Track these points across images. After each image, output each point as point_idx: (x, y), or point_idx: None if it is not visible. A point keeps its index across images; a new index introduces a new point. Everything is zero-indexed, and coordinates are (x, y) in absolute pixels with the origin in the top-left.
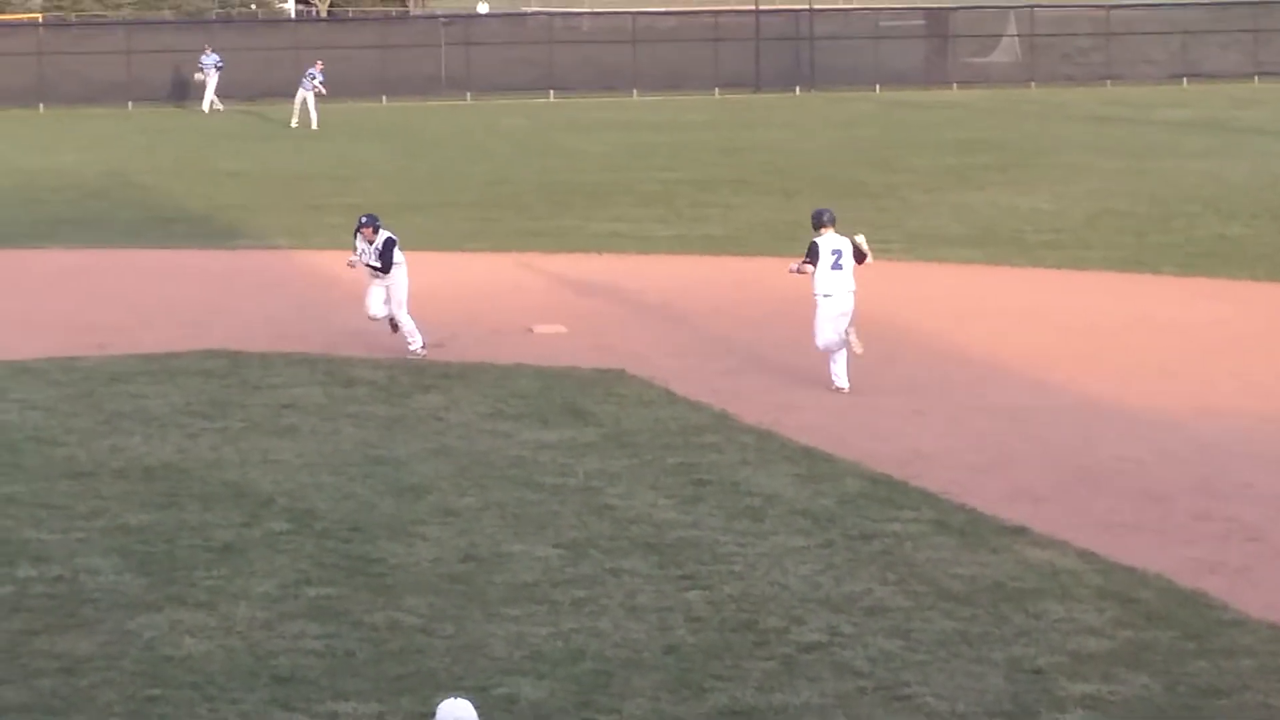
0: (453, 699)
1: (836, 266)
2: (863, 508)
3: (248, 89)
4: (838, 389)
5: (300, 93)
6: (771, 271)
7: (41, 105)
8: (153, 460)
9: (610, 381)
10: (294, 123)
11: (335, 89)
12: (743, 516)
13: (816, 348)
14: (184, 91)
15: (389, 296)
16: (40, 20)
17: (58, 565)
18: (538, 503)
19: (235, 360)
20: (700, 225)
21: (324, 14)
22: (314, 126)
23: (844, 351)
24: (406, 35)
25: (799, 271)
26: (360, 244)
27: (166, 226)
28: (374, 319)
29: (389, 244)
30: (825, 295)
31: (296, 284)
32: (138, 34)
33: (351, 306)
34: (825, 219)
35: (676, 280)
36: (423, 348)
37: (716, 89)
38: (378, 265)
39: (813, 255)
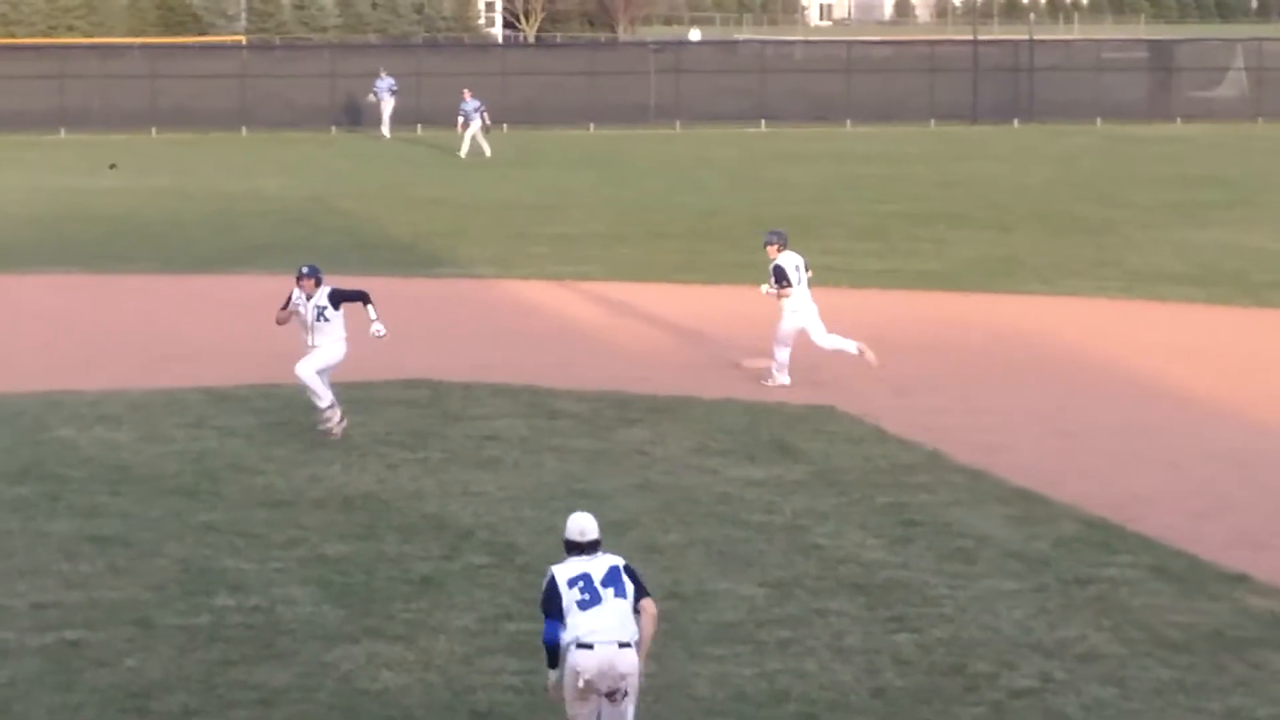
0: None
1: (800, 282)
2: (1078, 551)
3: (453, 115)
4: (779, 383)
5: (471, 124)
6: (986, 308)
7: (244, 129)
8: (352, 490)
9: (820, 418)
10: (463, 152)
11: (542, 116)
12: (953, 558)
13: (823, 348)
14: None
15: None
16: (244, 43)
17: (255, 595)
18: (743, 540)
19: (437, 390)
20: (914, 260)
21: (531, 39)
22: (488, 153)
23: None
24: (615, 62)
25: (778, 295)
26: (297, 295)
27: (369, 253)
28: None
29: (336, 296)
30: (794, 311)
31: (499, 313)
32: (342, 57)
33: (554, 338)
34: (782, 240)
35: (888, 315)
36: (334, 422)
37: (932, 120)
38: (322, 315)
39: (783, 277)
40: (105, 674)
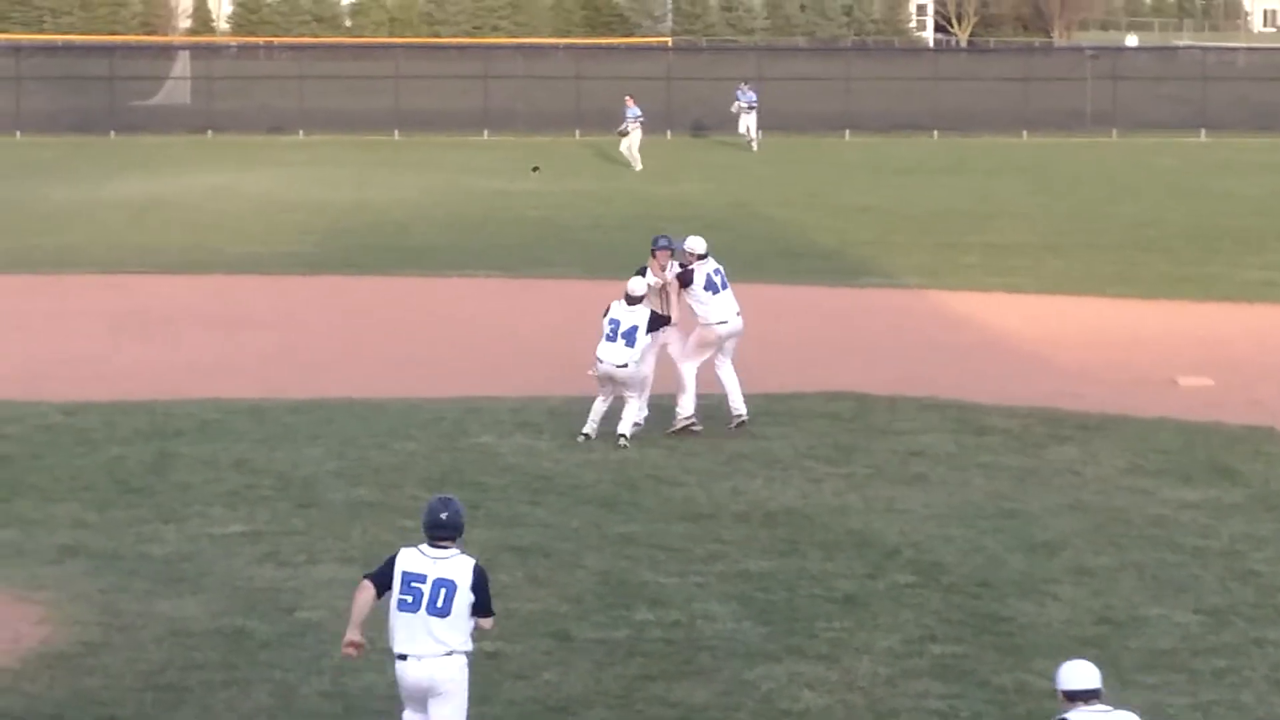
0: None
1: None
2: None
3: (880, 120)
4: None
5: (632, 132)
6: None
7: (669, 132)
8: (775, 505)
9: (1259, 439)
10: (638, 166)
11: (974, 122)
12: None
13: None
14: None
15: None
16: (669, 44)
17: (675, 610)
18: (1178, 565)
19: (862, 403)
20: None
21: (964, 43)
22: (638, 167)
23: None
24: (1050, 67)
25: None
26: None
27: (791, 261)
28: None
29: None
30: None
31: (926, 325)
32: (769, 60)
33: (983, 352)
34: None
35: None
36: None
37: None
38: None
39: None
40: (523, 687)
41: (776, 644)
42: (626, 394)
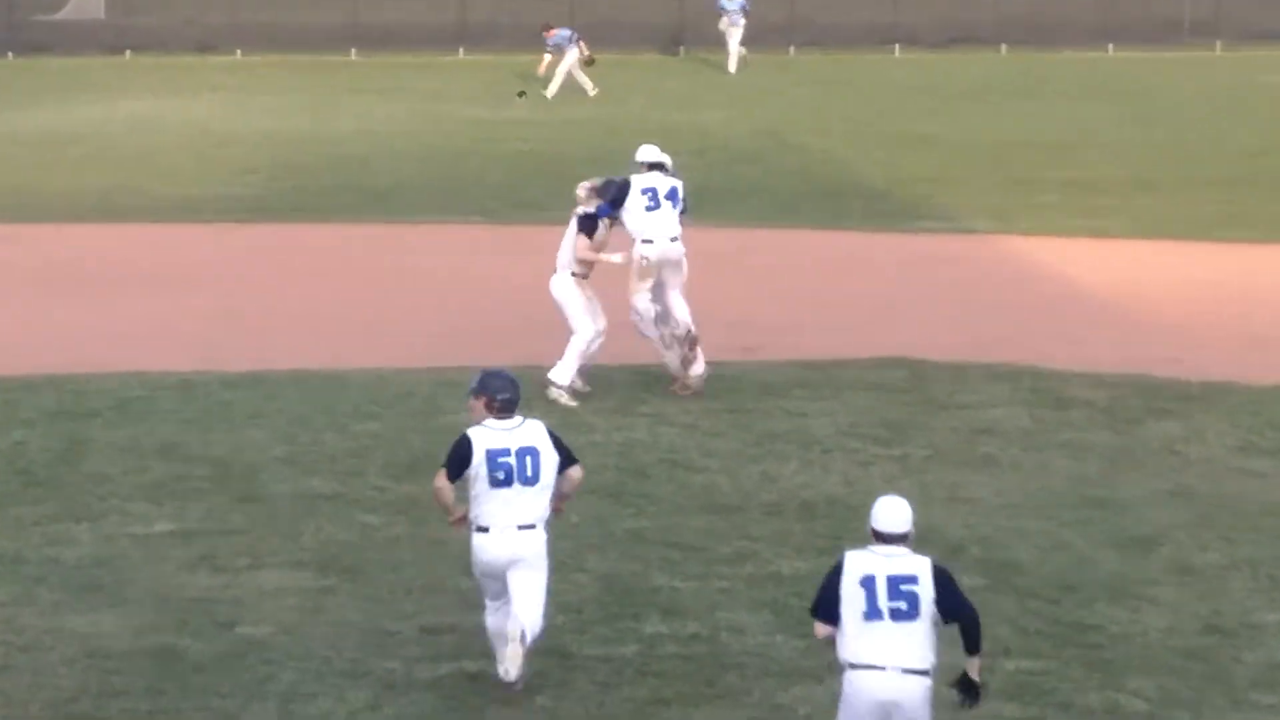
0: None
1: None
2: None
3: (937, 33)
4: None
5: (566, 58)
6: None
7: (681, 49)
8: (813, 493)
9: None
10: (550, 92)
11: (1049, 35)
12: None
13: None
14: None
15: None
16: None
17: (693, 621)
18: None
19: (917, 371)
20: None
21: None
22: (590, 91)
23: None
24: None
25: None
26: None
27: (833, 202)
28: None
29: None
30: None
31: (995, 277)
32: None
33: (1063, 308)
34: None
35: None
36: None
37: None
38: None
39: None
40: (512, 714)
41: (816, 660)
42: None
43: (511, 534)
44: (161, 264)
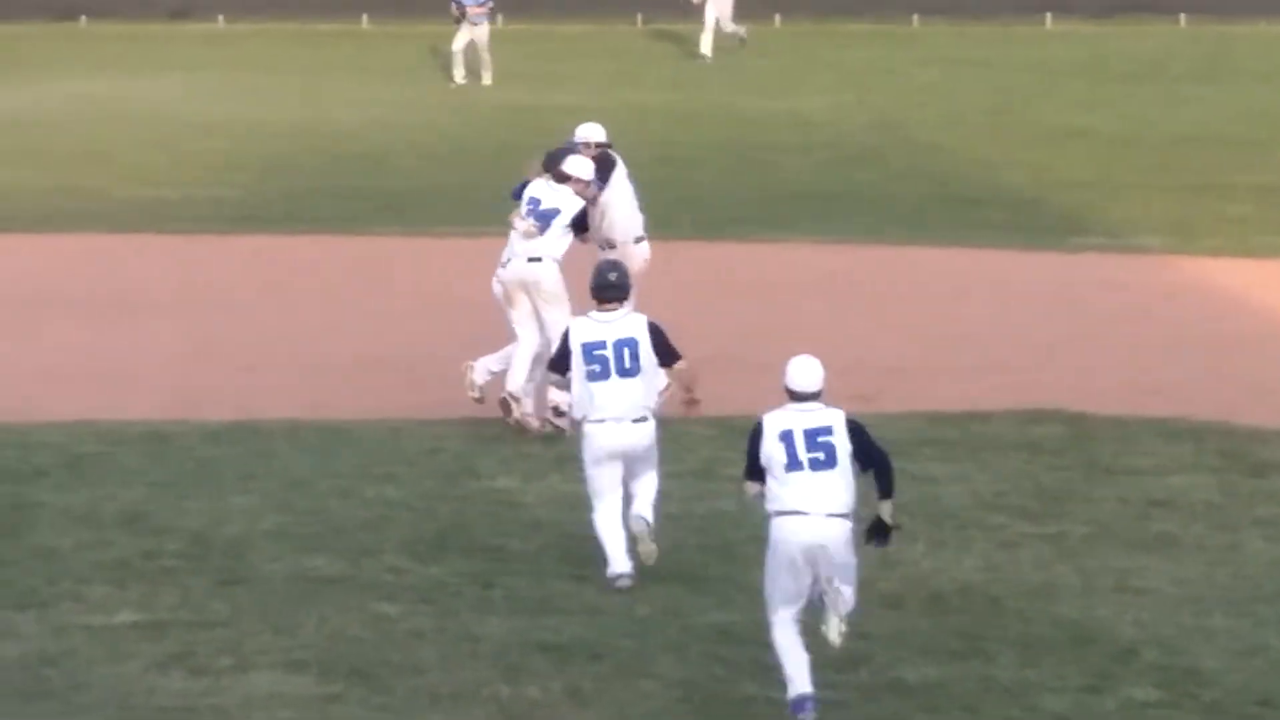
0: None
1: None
2: None
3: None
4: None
5: (474, 28)
6: None
7: (777, 18)
8: (945, 581)
9: None
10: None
11: (1238, 3)
12: None
13: None
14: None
15: None
16: None
17: None
18: None
19: (1076, 426)
20: None
21: None
22: (484, 79)
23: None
24: None
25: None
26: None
27: (968, 211)
28: None
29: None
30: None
31: (1172, 307)
32: None
33: (1257, 349)
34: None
35: None
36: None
37: None
38: None
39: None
40: None
41: None
42: None
43: (618, 426)
44: (120, 285)
